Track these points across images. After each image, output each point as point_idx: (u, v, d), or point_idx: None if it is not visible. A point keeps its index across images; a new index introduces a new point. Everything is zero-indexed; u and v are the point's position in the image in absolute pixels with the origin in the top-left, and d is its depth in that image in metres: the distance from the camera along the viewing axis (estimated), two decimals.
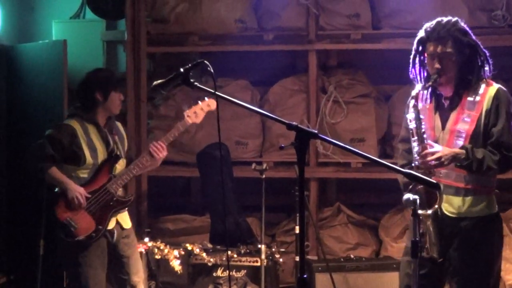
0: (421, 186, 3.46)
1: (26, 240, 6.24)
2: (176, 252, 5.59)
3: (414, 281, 3.14)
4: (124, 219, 4.65)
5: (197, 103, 4.74)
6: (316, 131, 2.70)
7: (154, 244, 5.58)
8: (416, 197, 3.24)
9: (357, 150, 2.83)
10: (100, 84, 4.51)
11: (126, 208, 4.64)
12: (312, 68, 6.23)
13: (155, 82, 3.00)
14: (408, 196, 3.31)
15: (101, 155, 4.52)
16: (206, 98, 4.73)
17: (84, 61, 6.88)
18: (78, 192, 4.40)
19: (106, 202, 4.49)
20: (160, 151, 4.57)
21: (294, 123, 2.68)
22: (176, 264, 5.53)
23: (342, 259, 5.66)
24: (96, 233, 4.45)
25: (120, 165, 4.61)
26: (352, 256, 5.73)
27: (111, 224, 4.53)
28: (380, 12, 6.19)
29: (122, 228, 4.62)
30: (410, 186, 3.52)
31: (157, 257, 5.60)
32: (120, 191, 4.58)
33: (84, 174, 4.50)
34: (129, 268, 4.64)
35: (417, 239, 3.10)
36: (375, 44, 6.16)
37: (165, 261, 5.61)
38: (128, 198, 4.62)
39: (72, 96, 6.27)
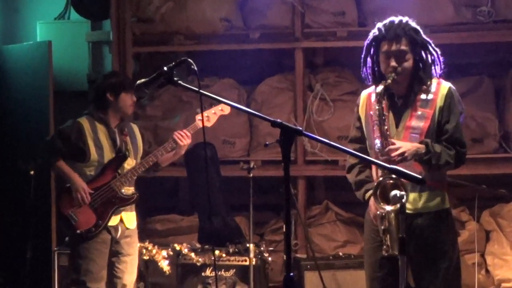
0: (389, 181, 3.51)
1: (13, 243, 6.21)
2: (164, 253, 5.57)
3: (402, 278, 3.13)
4: (129, 219, 4.74)
5: (210, 107, 4.83)
6: (301, 128, 2.70)
7: (142, 244, 5.56)
8: (403, 193, 3.25)
9: (343, 147, 2.83)
10: (111, 85, 4.67)
11: (132, 207, 4.74)
12: (299, 66, 6.22)
13: (138, 81, 2.99)
14: (395, 192, 3.32)
15: (108, 153, 4.64)
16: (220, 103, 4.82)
17: (69, 62, 6.86)
18: (82, 188, 4.54)
19: (109, 198, 4.61)
20: (185, 138, 4.68)
21: (278, 120, 2.67)
22: (164, 265, 5.51)
23: (331, 257, 5.67)
24: (95, 228, 4.58)
25: (129, 165, 4.70)
26: (341, 253, 5.74)
27: (114, 221, 4.64)
28: (366, 10, 6.19)
29: (126, 228, 4.71)
30: (376, 183, 3.54)
31: (146, 257, 5.58)
32: (126, 189, 4.67)
33: (90, 171, 4.63)
34: (125, 267, 4.72)
35: (403, 236, 3.09)
36: (361, 41, 6.05)
37: (153, 262, 5.59)
38: (131, 196, 4.69)
39: (57, 97, 6.27)
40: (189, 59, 2.97)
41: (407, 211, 3.65)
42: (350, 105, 6.26)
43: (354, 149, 3.86)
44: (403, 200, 3.18)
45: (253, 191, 5.23)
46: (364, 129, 3.86)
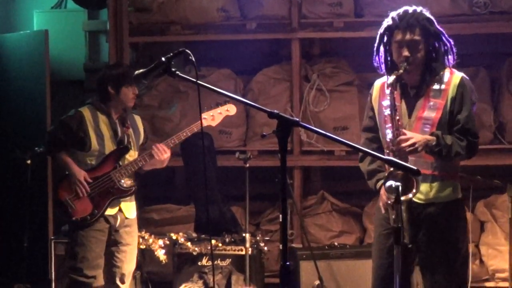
0: (399, 172, 3.49)
1: (10, 232, 6.22)
2: (161, 242, 5.58)
3: (396, 268, 3.16)
4: (129, 209, 4.75)
5: (216, 106, 4.82)
6: (298, 119, 2.71)
7: (139, 234, 5.55)
8: (399, 184, 3.26)
9: (339, 138, 2.83)
10: (112, 79, 4.65)
11: (132, 198, 4.74)
12: (295, 57, 6.23)
13: (136, 72, 3.00)
14: (390, 182, 3.34)
15: (109, 144, 4.65)
16: (226, 103, 4.84)
17: (66, 51, 6.86)
18: (80, 182, 4.56)
19: (107, 189, 4.62)
20: (162, 153, 4.66)
21: (275, 111, 2.68)
22: (161, 254, 5.52)
23: (326, 247, 5.68)
24: (91, 217, 4.60)
25: (131, 157, 4.71)
26: (336, 243, 5.74)
27: (112, 211, 4.65)
28: (363, 1, 6.20)
29: (125, 217, 4.73)
30: (387, 173, 3.54)
31: (142, 247, 5.59)
32: (126, 181, 4.68)
33: (91, 160, 4.65)
34: (124, 257, 4.73)
35: (400, 225, 3.11)
36: (357, 32, 6.16)
37: (150, 251, 5.60)
38: (129, 187, 4.69)
39: (54, 86, 6.27)
40: (187, 50, 2.97)
41: (419, 201, 3.67)
42: (346, 96, 6.30)
43: (366, 138, 3.89)
44: (399, 191, 3.19)
45: (249, 181, 5.24)
46: (377, 119, 3.85)
